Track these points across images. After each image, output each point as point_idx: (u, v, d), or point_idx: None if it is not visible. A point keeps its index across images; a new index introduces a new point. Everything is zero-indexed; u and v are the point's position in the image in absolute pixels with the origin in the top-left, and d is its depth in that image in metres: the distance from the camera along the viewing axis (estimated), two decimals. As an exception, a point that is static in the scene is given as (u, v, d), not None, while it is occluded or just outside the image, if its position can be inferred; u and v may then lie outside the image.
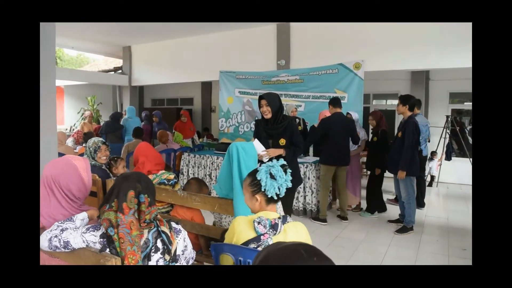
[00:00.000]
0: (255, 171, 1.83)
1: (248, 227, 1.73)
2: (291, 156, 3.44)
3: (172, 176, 2.90)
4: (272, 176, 1.75)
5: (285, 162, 1.83)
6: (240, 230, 1.74)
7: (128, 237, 1.45)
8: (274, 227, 1.67)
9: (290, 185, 1.79)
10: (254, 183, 1.80)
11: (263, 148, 3.25)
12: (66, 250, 1.56)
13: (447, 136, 7.94)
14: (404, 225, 4.79)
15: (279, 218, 1.71)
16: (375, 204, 5.58)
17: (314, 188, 5.38)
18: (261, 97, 3.51)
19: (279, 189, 1.75)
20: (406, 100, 4.68)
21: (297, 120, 6.03)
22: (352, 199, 5.68)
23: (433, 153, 7.77)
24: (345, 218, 5.25)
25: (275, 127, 3.50)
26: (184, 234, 1.65)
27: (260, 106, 3.53)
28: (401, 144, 4.62)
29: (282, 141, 3.49)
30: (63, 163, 1.85)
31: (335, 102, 5.21)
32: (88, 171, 1.90)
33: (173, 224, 1.62)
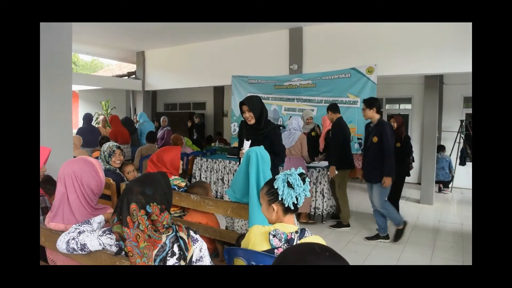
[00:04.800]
0: (273, 179, 1.78)
1: (263, 239, 1.70)
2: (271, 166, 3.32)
3: (183, 184, 2.89)
4: (290, 185, 1.70)
5: (303, 171, 1.77)
6: (255, 241, 1.72)
7: (136, 250, 1.46)
8: (289, 241, 1.62)
9: (308, 194, 1.75)
10: (271, 192, 1.75)
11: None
12: (83, 253, 1.59)
13: (461, 141, 7.85)
14: (378, 233, 4.65)
15: (296, 232, 1.67)
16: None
17: (326, 193, 5.36)
18: (241, 103, 3.38)
19: (296, 198, 1.71)
20: (373, 103, 4.46)
21: (313, 126, 6.01)
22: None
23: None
24: (347, 225, 5.19)
25: (256, 133, 3.37)
26: (201, 244, 1.61)
27: (242, 112, 3.39)
28: (378, 149, 4.36)
29: None
30: (82, 161, 1.91)
31: (335, 107, 5.26)
32: (101, 169, 1.97)
33: (192, 233, 1.61)
